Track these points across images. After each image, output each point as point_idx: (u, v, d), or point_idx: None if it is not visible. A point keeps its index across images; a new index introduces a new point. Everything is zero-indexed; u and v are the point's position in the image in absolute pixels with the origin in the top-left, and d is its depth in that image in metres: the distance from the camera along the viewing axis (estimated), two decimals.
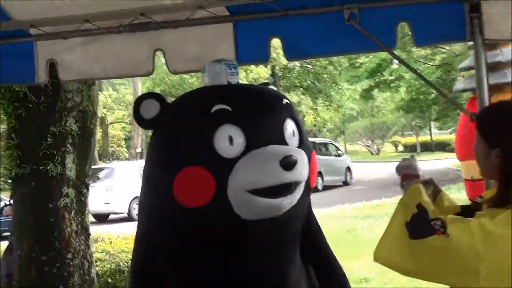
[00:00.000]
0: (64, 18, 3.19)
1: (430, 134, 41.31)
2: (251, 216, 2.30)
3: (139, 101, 2.45)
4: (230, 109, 2.32)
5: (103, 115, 31.30)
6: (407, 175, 2.20)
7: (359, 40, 3.02)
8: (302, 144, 2.46)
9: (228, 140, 2.27)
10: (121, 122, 35.61)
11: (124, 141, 35.99)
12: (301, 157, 2.32)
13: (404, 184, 2.17)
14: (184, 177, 2.26)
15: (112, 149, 34.02)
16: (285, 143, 2.38)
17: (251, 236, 2.37)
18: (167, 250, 2.43)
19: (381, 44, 2.97)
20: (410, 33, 2.99)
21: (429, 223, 1.88)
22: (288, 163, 2.23)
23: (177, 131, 2.37)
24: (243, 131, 2.29)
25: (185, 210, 2.28)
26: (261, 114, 2.38)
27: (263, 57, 3.22)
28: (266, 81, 2.85)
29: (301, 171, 2.32)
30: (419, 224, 1.91)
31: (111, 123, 34.36)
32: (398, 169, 2.26)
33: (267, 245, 2.40)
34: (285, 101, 2.49)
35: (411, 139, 42.08)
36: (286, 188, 2.29)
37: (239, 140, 2.28)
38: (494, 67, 5.00)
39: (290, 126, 2.42)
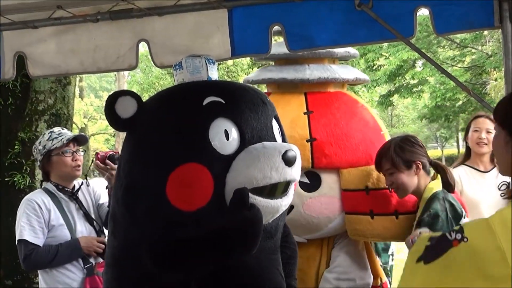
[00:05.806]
0: (33, 4, 3.18)
1: (458, 146, 41.25)
2: None
3: (113, 98, 2.46)
4: (223, 102, 2.37)
5: (84, 125, 31.33)
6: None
7: (372, 28, 3.01)
8: None
9: (224, 135, 2.32)
10: (104, 133, 35.62)
11: None
12: (298, 153, 2.39)
13: (413, 241, 2.48)
14: (179, 175, 2.27)
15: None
16: (275, 141, 2.47)
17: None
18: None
19: (397, 32, 2.96)
20: (430, 19, 2.98)
21: (443, 239, 1.77)
22: (290, 158, 2.30)
23: (168, 128, 2.40)
24: (237, 126, 2.35)
25: (180, 214, 2.27)
26: (254, 109, 2.45)
27: (263, 49, 3.19)
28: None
29: (298, 169, 2.41)
30: (434, 248, 1.80)
31: (92, 134, 34.37)
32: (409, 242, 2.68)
33: (258, 253, 2.41)
34: (268, 99, 2.61)
35: (436, 152, 41.88)
36: (285, 188, 2.36)
37: (235, 135, 2.33)
38: None
39: (275, 125, 2.54)
